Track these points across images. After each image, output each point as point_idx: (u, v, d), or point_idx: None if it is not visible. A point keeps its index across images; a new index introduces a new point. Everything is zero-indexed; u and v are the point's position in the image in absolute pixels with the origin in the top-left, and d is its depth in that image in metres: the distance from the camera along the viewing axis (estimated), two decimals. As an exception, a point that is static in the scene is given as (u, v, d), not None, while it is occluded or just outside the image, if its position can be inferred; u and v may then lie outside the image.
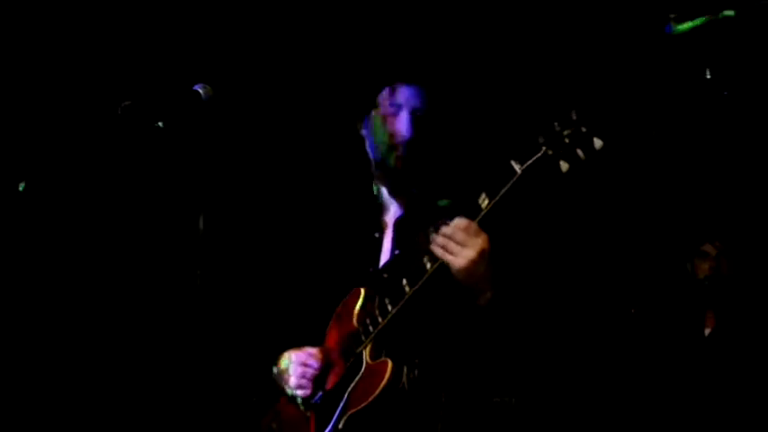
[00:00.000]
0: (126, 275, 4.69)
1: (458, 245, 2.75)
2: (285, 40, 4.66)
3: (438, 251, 2.78)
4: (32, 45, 4.45)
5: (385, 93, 3.15)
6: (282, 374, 3.11)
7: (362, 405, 2.86)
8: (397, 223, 3.15)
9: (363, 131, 3.20)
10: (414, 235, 3.07)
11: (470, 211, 2.77)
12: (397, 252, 3.11)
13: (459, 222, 2.76)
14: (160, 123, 2.65)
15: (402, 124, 3.08)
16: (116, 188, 4.47)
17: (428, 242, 2.86)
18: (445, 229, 2.77)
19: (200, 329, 4.55)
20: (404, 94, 3.12)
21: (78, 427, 4.64)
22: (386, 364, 2.87)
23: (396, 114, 3.10)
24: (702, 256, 4.87)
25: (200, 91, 2.79)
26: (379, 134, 3.13)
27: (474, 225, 2.75)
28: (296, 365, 3.07)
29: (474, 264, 2.75)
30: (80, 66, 4.49)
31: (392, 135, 3.09)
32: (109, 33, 4.52)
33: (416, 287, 2.84)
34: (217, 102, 2.78)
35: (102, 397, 4.68)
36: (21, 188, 2.66)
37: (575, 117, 2.60)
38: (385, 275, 3.08)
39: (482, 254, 2.75)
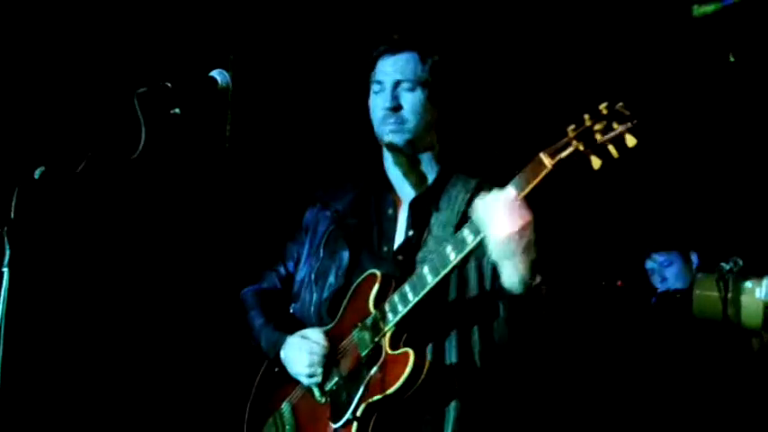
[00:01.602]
0: (138, 265, 4.69)
1: (502, 215, 2.66)
2: (296, 23, 4.64)
3: (480, 216, 2.69)
4: (48, 33, 4.45)
5: (372, 71, 3.15)
6: (291, 361, 3.10)
7: (383, 394, 2.84)
8: (413, 203, 3.13)
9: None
10: (429, 216, 3.07)
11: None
12: (411, 233, 3.09)
13: (507, 195, 2.67)
14: (177, 110, 2.63)
15: (385, 98, 3.07)
16: (132, 174, 4.47)
17: (449, 230, 2.83)
18: (492, 197, 2.68)
19: (209, 312, 4.56)
20: (385, 67, 3.10)
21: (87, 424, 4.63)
22: (408, 355, 2.84)
23: (381, 91, 3.10)
24: None
25: (217, 77, 2.78)
26: (372, 113, 3.13)
27: (519, 200, 2.65)
28: (303, 353, 3.05)
29: (516, 235, 2.65)
30: (96, 52, 4.49)
31: (380, 111, 3.08)
32: (124, 21, 4.52)
33: (440, 278, 2.80)
34: (234, 87, 2.77)
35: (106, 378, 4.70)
36: (37, 175, 2.64)
37: (605, 112, 2.53)
38: (400, 257, 3.07)
39: (526, 227, 2.65)
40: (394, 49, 3.10)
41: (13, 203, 2.58)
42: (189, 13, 4.56)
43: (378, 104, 3.09)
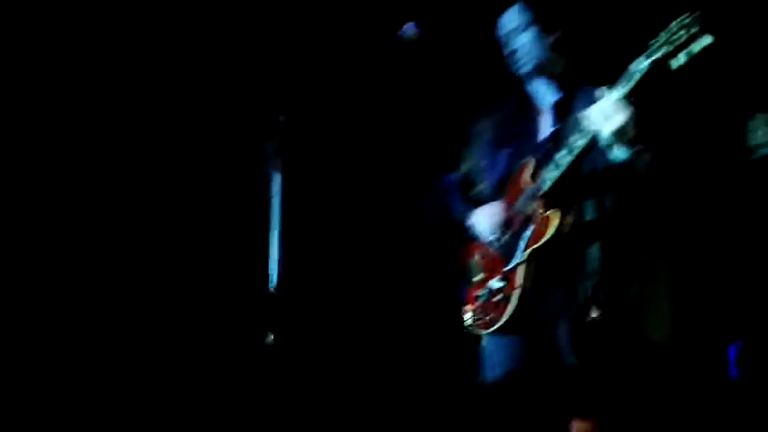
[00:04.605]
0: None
1: (605, 117, 3.55)
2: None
3: (588, 123, 3.60)
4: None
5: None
6: (478, 223, 4.08)
7: (539, 242, 3.80)
8: (557, 105, 3.93)
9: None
10: (569, 113, 3.86)
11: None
12: (558, 126, 3.90)
13: (607, 98, 3.54)
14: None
15: (506, 47, 3.95)
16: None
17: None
18: (594, 105, 3.58)
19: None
20: (501, 25, 3.99)
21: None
22: (556, 213, 3.76)
23: (504, 44, 4.00)
24: None
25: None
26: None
27: (617, 101, 3.49)
28: (487, 216, 4.03)
29: (619, 130, 3.49)
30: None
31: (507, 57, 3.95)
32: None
33: (586, 140, 3.62)
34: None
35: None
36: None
37: (687, 20, 3.31)
38: (549, 145, 3.89)
39: (626, 122, 3.48)
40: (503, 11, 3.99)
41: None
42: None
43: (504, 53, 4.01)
